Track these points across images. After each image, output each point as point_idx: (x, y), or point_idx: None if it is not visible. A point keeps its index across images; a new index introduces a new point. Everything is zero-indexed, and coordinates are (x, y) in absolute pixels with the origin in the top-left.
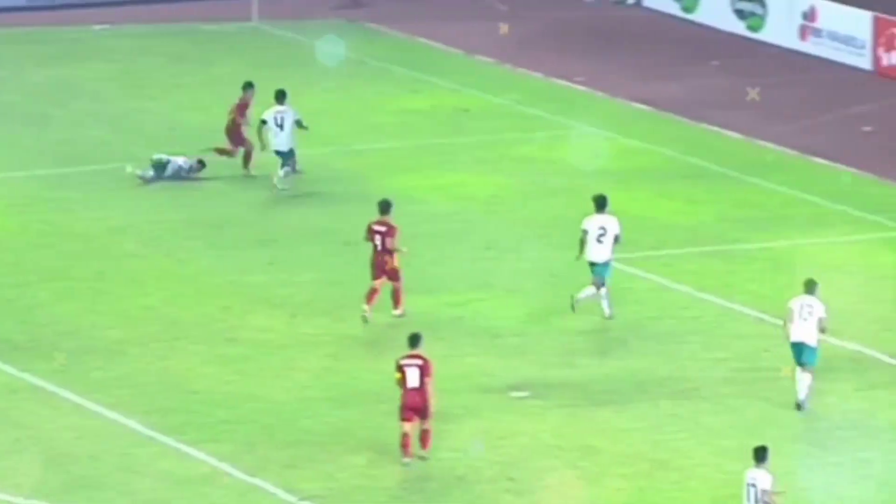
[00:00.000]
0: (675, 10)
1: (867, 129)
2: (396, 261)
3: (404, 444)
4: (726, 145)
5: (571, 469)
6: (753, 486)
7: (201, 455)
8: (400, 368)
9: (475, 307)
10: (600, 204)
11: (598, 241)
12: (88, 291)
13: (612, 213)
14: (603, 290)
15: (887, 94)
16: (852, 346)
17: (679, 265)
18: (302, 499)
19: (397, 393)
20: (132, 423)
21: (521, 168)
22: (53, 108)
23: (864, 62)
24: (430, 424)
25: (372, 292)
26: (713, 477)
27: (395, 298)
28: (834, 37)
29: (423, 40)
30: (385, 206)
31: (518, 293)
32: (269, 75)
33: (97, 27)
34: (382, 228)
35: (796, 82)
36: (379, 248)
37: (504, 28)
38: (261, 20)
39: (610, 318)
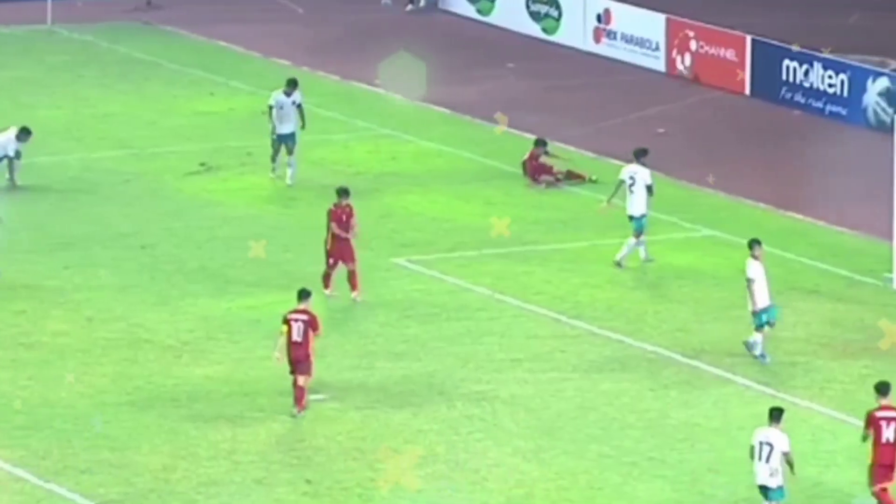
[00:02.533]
0: (471, 12)
1: (661, 130)
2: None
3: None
4: (523, 148)
5: (370, 471)
6: (769, 444)
7: None
8: (286, 321)
9: (273, 309)
10: (638, 154)
11: (631, 191)
12: None
13: (645, 165)
14: (642, 238)
15: (681, 96)
16: (647, 346)
17: (476, 266)
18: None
19: (192, 397)
20: None
21: (319, 170)
22: None
23: (658, 64)
24: (306, 382)
25: (327, 276)
26: (509, 477)
27: (353, 282)
28: (628, 39)
29: (220, 43)
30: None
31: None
32: (64, 78)
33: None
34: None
35: (592, 84)
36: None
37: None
38: (56, 24)
39: (648, 261)
